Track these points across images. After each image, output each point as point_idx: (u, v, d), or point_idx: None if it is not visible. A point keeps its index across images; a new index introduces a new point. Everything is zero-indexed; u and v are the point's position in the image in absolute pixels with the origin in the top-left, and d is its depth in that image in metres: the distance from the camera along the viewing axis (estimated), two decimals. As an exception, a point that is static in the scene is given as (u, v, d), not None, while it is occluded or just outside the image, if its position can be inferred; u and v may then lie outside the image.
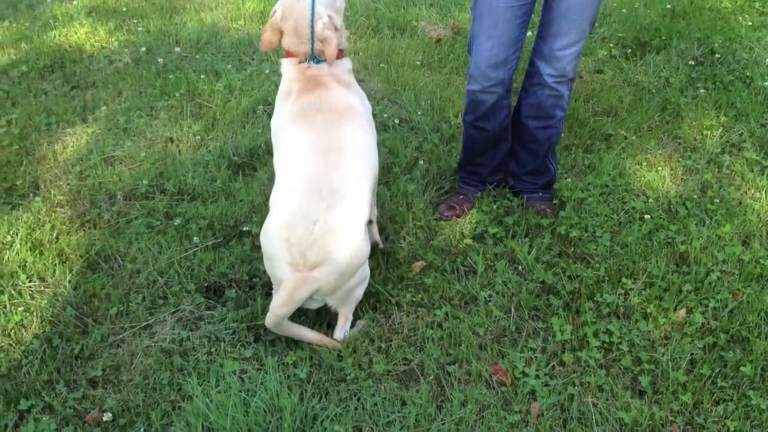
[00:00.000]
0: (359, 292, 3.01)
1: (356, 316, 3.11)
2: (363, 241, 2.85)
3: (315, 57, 3.09)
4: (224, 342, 2.98)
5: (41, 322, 3.10)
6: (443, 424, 2.63)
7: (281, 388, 2.68)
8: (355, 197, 2.85)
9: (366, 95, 3.28)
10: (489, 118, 3.63)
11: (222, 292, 3.27)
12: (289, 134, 2.99)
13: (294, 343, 2.98)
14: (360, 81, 5.02)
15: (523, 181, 3.85)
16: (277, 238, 2.78)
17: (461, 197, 3.85)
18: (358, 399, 2.73)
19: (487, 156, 3.81)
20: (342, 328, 3.02)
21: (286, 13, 3.08)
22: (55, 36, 5.96)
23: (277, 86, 4.91)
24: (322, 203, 2.76)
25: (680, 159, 4.19)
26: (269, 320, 2.86)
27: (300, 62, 3.10)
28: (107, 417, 2.64)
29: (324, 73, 3.10)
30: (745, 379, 2.81)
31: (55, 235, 3.59)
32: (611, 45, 5.62)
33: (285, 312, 2.82)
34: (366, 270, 2.98)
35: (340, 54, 3.17)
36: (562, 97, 3.56)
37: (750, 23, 5.95)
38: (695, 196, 3.82)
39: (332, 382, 2.80)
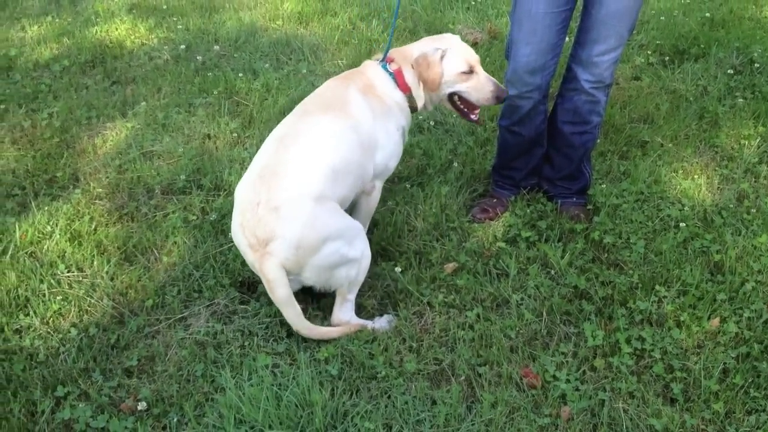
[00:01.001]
0: (346, 273, 2.98)
1: (383, 312, 3.15)
2: (314, 214, 2.86)
3: (384, 61, 3.30)
4: (257, 336, 3.01)
5: (79, 312, 3.16)
6: (473, 424, 2.64)
7: (313, 384, 2.71)
8: (295, 175, 2.90)
9: (396, 135, 3.28)
10: (525, 123, 3.64)
11: (255, 287, 3.30)
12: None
13: (325, 340, 3.00)
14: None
15: (557, 186, 3.85)
16: (235, 226, 2.95)
17: (495, 200, 3.86)
18: (389, 397, 2.75)
19: (521, 160, 3.82)
20: (340, 308, 3.07)
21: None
22: (96, 32, 6.06)
23: (313, 86, 4.97)
24: (264, 186, 2.87)
25: (717, 168, 4.17)
26: (287, 314, 2.95)
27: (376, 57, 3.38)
28: (142, 406, 2.68)
29: (365, 74, 3.28)
30: (778, 390, 2.78)
31: (93, 226, 3.65)
32: (649, 52, 5.59)
33: (280, 296, 2.87)
34: (349, 252, 2.95)
35: (406, 87, 3.27)
36: (598, 103, 3.55)
37: (791, 33, 5.88)
38: (731, 206, 3.80)
39: (363, 379, 2.82)
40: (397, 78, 3.28)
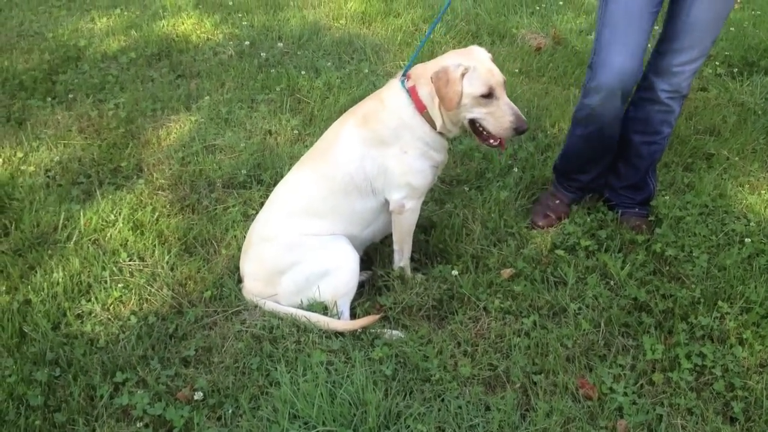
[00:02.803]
0: (323, 288, 3.09)
1: (438, 315, 3.13)
2: (264, 252, 3.15)
3: (404, 77, 3.16)
4: (312, 332, 3.02)
5: (139, 300, 3.21)
6: (527, 432, 2.62)
7: (367, 383, 2.70)
8: (262, 221, 3.22)
9: (404, 157, 3.11)
10: (604, 132, 3.52)
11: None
12: None
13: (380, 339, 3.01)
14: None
15: (620, 195, 3.79)
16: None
17: (557, 201, 3.79)
18: (442, 400, 2.73)
19: (591, 166, 3.75)
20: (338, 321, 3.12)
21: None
22: (163, 25, 6.17)
23: (374, 86, 4.99)
24: (251, 230, 3.28)
25: (784, 183, 4.07)
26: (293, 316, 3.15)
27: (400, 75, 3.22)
28: (198, 396, 2.71)
29: (381, 94, 3.19)
30: (844, 414, 2.70)
31: (155, 216, 3.71)
32: (717, 63, 5.48)
33: (269, 308, 3.15)
34: (318, 268, 3.08)
35: (421, 106, 3.07)
36: (672, 113, 3.48)
37: None
38: (799, 223, 3.70)
39: (417, 381, 2.81)
40: (412, 96, 3.08)
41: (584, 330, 3.05)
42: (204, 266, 3.41)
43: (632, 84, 3.38)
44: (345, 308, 3.13)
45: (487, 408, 2.71)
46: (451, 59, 3.03)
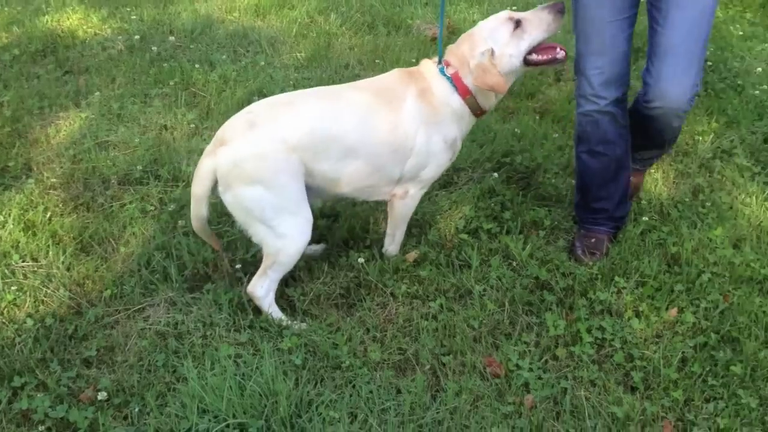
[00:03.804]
0: (264, 238, 2.90)
1: (345, 303, 3.13)
2: (270, 154, 2.81)
3: (441, 64, 3.11)
4: (219, 326, 2.96)
5: (34, 302, 3.08)
6: (438, 412, 2.64)
7: (277, 373, 2.67)
8: (294, 120, 2.87)
9: (439, 147, 3.11)
10: (609, 140, 3.39)
11: (210, 278, 3.26)
12: None
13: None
14: (355, 76, 5.05)
15: None
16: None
17: (593, 240, 3.50)
18: (353, 386, 2.73)
19: (610, 188, 3.51)
20: (257, 278, 2.98)
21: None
22: (47, 21, 5.93)
23: (272, 78, 4.94)
24: (271, 107, 2.94)
25: (672, 163, 4.24)
26: (192, 210, 2.99)
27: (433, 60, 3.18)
28: (102, 396, 2.62)
29: (425, 78, 3.09)
30: (735, 378, 2.83)
31: (48, 216, 3.57)
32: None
33: (193, 191, 2.91)
34: (273, 220, 2.86)
35: (466, 92, 3.07)
36: None
37: (741, 33, 6.02)
38: (687, 200, 3.86)
39: (327, 369, 2.80)
40: (456, 83, 3.07)
41: (489, 310, 3.10)
42: (102, 265, 3.30)
43: (621, 89, 3.33)
44: (275, 276, 2.98)
45: (398, 391, 2.73)
46: (471, 50, 3.04)
